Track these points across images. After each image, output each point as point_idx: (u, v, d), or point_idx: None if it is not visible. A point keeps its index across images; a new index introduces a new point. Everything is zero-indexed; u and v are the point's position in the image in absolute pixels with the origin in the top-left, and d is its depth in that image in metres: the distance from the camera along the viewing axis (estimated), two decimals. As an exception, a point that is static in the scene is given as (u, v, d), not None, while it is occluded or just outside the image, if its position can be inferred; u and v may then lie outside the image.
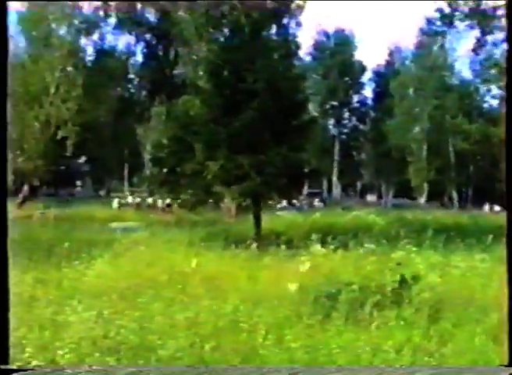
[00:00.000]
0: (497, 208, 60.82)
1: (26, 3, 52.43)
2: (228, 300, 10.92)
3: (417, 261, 13.06)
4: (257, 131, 25.43)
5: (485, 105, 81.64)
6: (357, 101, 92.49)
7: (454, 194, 77.55)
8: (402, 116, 79.25)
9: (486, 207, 67.92)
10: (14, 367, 7.27)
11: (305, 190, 65.76)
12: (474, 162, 78.39)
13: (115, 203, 54.75)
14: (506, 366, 7.29)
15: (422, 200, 77.83)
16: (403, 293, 10.97)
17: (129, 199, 58.98)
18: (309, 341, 8.93)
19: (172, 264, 14.14)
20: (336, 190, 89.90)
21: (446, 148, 76.00)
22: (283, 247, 17.07)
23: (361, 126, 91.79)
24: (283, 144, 25.84)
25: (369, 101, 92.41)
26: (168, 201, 43.34)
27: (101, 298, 11.06)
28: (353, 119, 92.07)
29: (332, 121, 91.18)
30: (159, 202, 49.95)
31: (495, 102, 74.14)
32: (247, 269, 13.86)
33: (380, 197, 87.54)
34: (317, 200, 72.36)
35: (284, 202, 48.67)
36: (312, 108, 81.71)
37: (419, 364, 8.03)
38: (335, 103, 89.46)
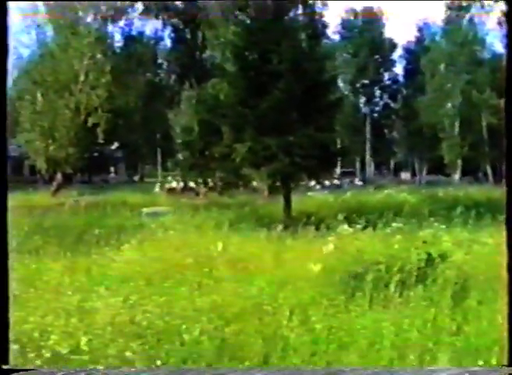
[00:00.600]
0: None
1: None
2: (253, 282, 10.94)
3: (444, 239, 12.92)
4: (284, 112, 25.43)
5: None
6: (388, 79, 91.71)
7: (488, 170, 76.75)
8: (433, 92, 78.25)
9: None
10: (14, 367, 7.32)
11: (338, 169, 65.77)
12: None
13: (157, 188, 55.36)
14: (506, 366, 7.22)
15: (456, 176, 77.15)
16: (428, 271, 10.91)
17: (174, 184, 59.06)
18: (333, 321, 8.93)
19: (199, 248, 14.17)
20: (370, 168, 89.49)
21: (478, 124, 75.06)
22: (312, 228, 17.05)
23: (393, 104, 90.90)
24: (310, 125, 25.79)
25: (400, 79, 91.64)
26: (211, 184, 43.18)
27: (129, 283, 11.15)
28: (385, 97, 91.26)
29: (363, 99, 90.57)
30: (202, 186, 49.76)
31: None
32: (273, 252, 13.85)
33: (414, 174, 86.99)
34: (357, 179, 72.68)
35: (326, 182, 48.60)
36: (343, 87, 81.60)
37: (441, 343, 8.03)
38: (365, 81, 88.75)
